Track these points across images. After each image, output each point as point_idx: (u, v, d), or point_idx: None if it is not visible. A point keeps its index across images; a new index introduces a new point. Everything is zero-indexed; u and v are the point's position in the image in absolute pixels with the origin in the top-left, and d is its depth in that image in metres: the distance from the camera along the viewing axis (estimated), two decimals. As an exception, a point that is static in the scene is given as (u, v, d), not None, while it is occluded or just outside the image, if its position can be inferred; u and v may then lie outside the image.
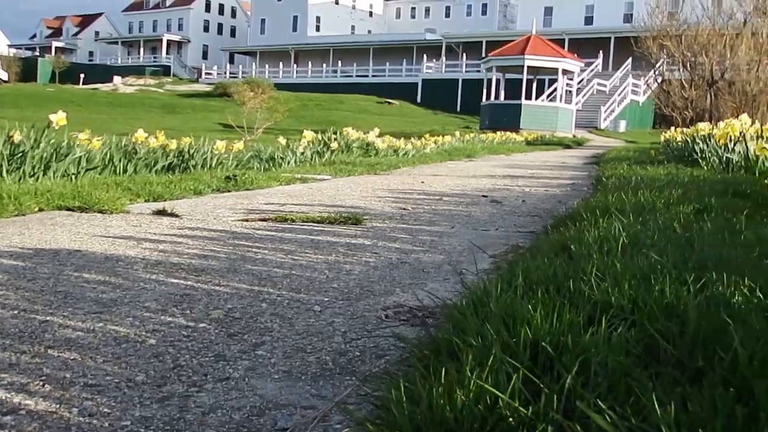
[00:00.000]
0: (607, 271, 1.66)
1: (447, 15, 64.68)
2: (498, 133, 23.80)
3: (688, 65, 30.28)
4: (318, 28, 66.18)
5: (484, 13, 62.86)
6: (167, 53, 73.54)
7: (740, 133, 8.44)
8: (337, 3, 67.95)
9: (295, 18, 66.76)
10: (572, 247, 2.07)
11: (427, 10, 66.38)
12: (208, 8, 77.91)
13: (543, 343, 1.16)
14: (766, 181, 6.33)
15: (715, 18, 30.83)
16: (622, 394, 1.08)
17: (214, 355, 1.69)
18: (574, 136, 29.19)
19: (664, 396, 1.06)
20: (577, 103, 35.68)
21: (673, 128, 18.65)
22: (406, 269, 2.75)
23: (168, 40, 74.70)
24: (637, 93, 39.85)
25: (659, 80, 32.31)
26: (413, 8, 67.87)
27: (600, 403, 0.98)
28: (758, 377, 1.03)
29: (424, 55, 51.60)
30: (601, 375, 1.11)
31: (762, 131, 8.53)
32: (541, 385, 1.06)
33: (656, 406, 0.93)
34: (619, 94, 39.53)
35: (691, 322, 1.26)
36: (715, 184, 5.71)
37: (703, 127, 10.89)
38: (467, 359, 1.11)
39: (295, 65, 59.89)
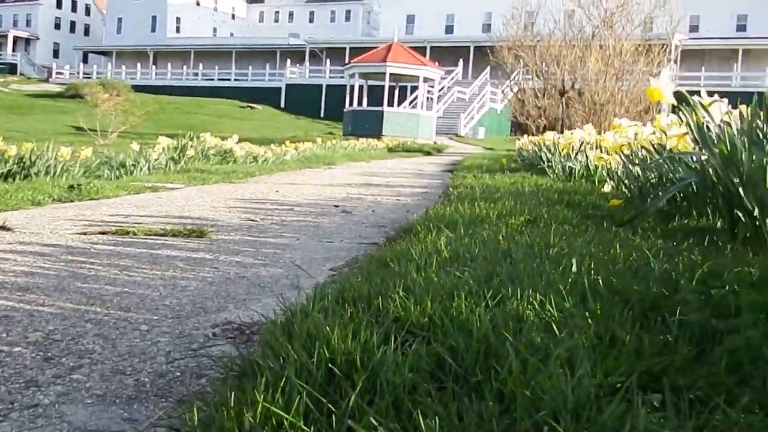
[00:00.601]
0: (414, 287, 1.76)
1: (311, 20, 64.79)
2: (360, 139, 24.10)
3: (542, 75, 31.69)
4: (178, 29, 64.53)
5: (348, 19, 63.46)
6: (13, 50, 69.39)
7: (581, 143, 8.97)
8: (198, 4, 66.53)
9: (154, 18, 64.81)
10: (391, 263, 2.17)
11: (291, 14, 66.23)
12: (59, 4, 74.19)
13: (332, 365, 1.23)
14: (603, 189, 6.78)
15: (566, 30, 32.49)
16: (405, 410, 1.16)
17: (26, 381, 1.66)
18: (434, 142, 29.96)
19: (442, 410, 1.16)
20: (438, 111, 36.64)
21: (526, 136, 19.53)
22: (243, 284, 2.77)
23: (14, 37, 70.52)
24: (496, 101, 41.38)
25: (515, 89, 33.68)
26: (277, 12, 67.51)
27: (375, 420, 1.05)
28: (523, 387, 1.14)
29: (288, 60, 51.39)
30: (387, 392, 1.19)
31: (600, 141, 9.09)
32: (329, 405, 1.12)
33: (422, 421, 1.02)
34: (478, 102, 40.94)
35: (474, 337, 1.37)
36: (553, 194, 6.06)
37: (550, 136, 11.49)
38: (260, 381, 1.16)
39: (154, 67, 58.05)
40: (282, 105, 49.42)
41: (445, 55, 46.25)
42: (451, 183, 8.33)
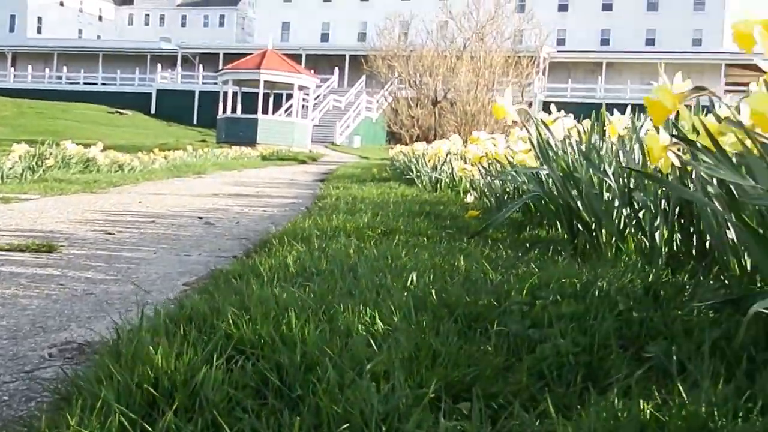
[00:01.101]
0: (250, 304, 1.80)
1: (183, 24, 63.37)
2: (234, 147, 23.80)
3: (415, 85, 32.31)
4: (39, 30, 61.53)
5: (222, 24, 62.53)
6: None
7: (446, 154, 9.24)
8: (62, 4, 63.70)
9: (13, 17, 61.54)
10: (235, 279, 2.20)
11: (162, 17, 64.56)
12: None
13: (156, 385, 1.25)
14: (466, 200, 7.01)
15: (439, 41, 33.32)
16: (223, 427, 1.20)
17: None
18: (310, 151, 29.98)
19: (259, 425, 1.20)
20: (313, 119, 36.71)
21: (399, 145, 19.89)
22: (89, 302, 2.71)
23: None
24: (371, 110, 41.86)
25: (389, 99, 34.21)
26: (147, 15, 65.63)
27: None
28: (333, 401, 1.21)
29: (159, 65, 50.04)
30: (207, 410, 1.23)
31: (464, 153, 9.40)
32: (145, 425, 1.14)
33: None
34: (354, 111, 41.30)
35: (298, 353, 1.42)
36: (417, 205, 6.22)
37: (419, 147, 11.77)
38: (77, 404, 1.17)
39: (12, 69, 55.00)
40: (153, 111, 48.06)
41: (321, 63, 46.42)
42: (320, 193, 8.39)
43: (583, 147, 3.47)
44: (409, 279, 2.29)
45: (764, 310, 1.92)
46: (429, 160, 9.81)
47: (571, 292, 2.16)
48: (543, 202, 3.95)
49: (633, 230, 3.20)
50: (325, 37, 52.67)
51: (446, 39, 33.81)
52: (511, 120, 3.27)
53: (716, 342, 1.68)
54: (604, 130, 3.41)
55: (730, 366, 1.56)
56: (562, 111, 4.02)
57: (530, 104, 34.84)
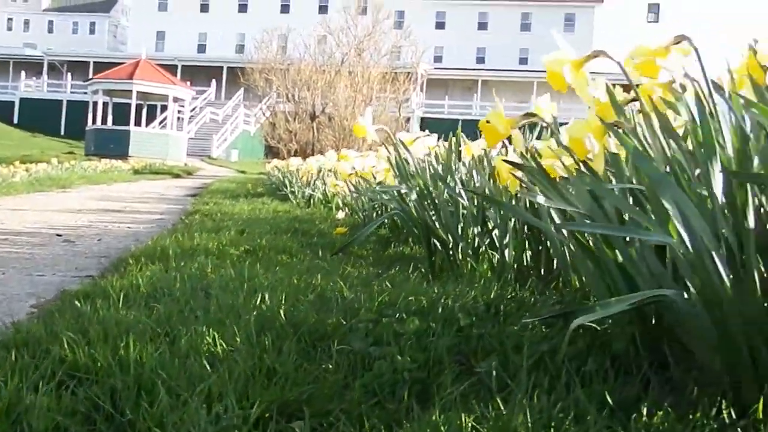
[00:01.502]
0: (90, 328, 1.77)
1: (50, 30, 60.54)
2: (104, 160, 22.98)
3: (293, 99, 32.21)
4: None
5: (92, 32, 60.19)
6: None
7: (319, 170, 9.29)
8: None
9: None
10: (79, 301, 2.16)
11: (27, 22, 61.45)
12: None
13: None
14: (337, 216, 7.07)
15: (317, 56, 33.40)
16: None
17: None
18: (185, 164, 29.33)
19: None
20: (189, 132, 35.97)
21: (276, 160, 19.79)
22: (-75, 326, 2.57)
23: None
24: (250, 123, 41.40)
25: (267, 112, 33.96)
26: (10, 19, 62.25)
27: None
28: (156, 425, 1.22)
29: (23, 72, 47.62)
30: (31, 439, 1.21)
31: (335, 169, 9.48)
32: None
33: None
34: (231, 124, 40.74)
35: (132, 377, 1.43)
36: (287, 221, 6.23)
37: (294, 162, 11.78)
38: None
39: None
40: (15, 121, 45.65)
41: (198, 74, 45.56)
42: (190, 209, 8.25)
43: (440, 167, 3.60)
44: (261, 299, 2.31)
45: (594, 324, 2.07)
46: (302, 176, 9.85)
47: (416, 309, 2.25)
48: (403, 220, 4.05)
49: (486, 248, 3.35)
50: (202, 48, 51.70)
51: (325, 54, 33.95)
52: (370, 139, 3.36)
53: (543, 356, 1.80)
54: (460, 151, 3.55)
55: (553, 379, 1.67)
56: (426, 131, 4.15)
57: (408, 120, 35.55)
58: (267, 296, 2.35)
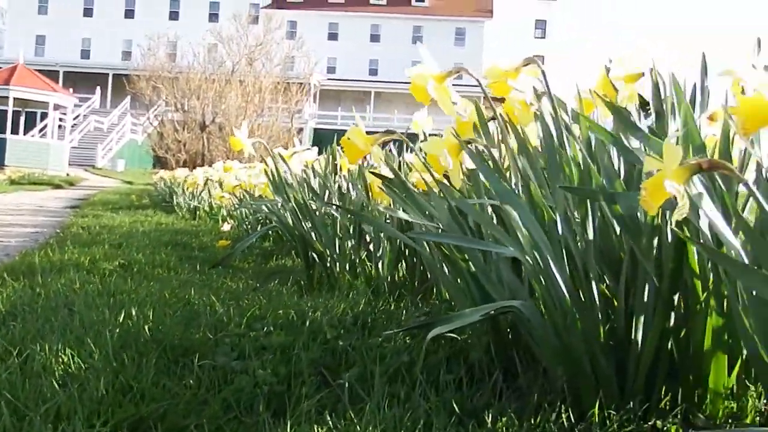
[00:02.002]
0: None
1: None
2: (-23, 170, 21.82)
3: (182, 108, 31.53)
4: None
5: (-34, 34, 57.14)
6: None
7: (205, 182, 9.16)
8: None
9: None
10: None
11: None
12: None
13: None
14: (222, 228, 6.97)
15: (207, 65, 32.86)
16: None
17: None
18: (68, 175, 28.18)
19: None
20: (72, 141, 34.63)
21: (163, 171, 19.32)
22: None
23: None
24: (136, 132, 40.22)
25: (155, 121, 33.11)
26: None
27: None
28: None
29: None
30: None
31: (222, 180, 9.37)
32: None
33: None
34: (117, 133, 39.48)
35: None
36: (168, 234, 6.12)
37: (180, 173, 11.56)
38: None
39: None
40: None
41: (82, 81, 43.96)
42: (68, 222, 7.95)
43: (317, 181, 3.64)
44: (127, 314, 2.28)
45: (455, 335, 2.15)
46: (188, 188, 9.67)
47: (285, 322, 2.27)
48: (282, 233, 4.07)
49: (363, 260, 3.40)
50: (86, 54, 49.85)
51: (215, 62, 33.46)
52: (247, 153, 3.36)
53: (402, 366, 1.86)
54: (336, 165, 3.60)
55: (409, 389, 1.73)
56: (306, 144, 4.19)
57: (301, 130, 35.48)
58: (134, 312, 2.32)
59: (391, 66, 48.72)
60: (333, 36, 49.76)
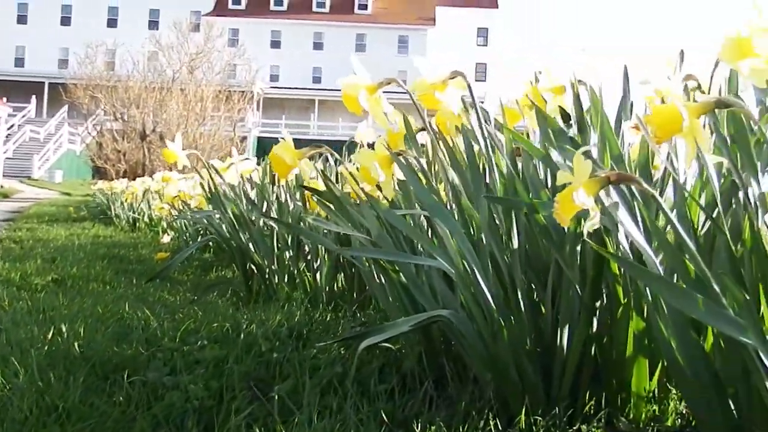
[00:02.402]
0: None
1: None
2: None
3: (121, 118, 30.95)
4: None
5: None
6: None
7: (144, 193, 9.02)
8: None
9: None
10: None
11: None
12: None
13: None
14: (162, 240, 6.88)
15: (147, 73, 32.34)
16: None
17: None
18: (1, 186, 27.41)
19: None
20: (6, 151, 33.70)
21: (101, 182, 18.93)
22: None
23: None
24: (75, 142, 39.32)
25: (94, 131, 32.44)
26: None
27: None
28: None
29: None
30: None
31: (161, 191, 9.24)
32: None
33: None
34: (54, 143, 38.53)
35: None
36: (105, 247, 6.01)
37: (118, 184, 11.35)
38: None
39: None
40: None
41: (16, 90, 42.81)
42: (1, 236, 7.73)
43: (254, 192, 3.63)
44: (57, 331, 2.24)
45: (389, 344, 2.17)
46: (127, 199, 9.51)
47: (219, 335, 2.26)
48: (220, 244, 4.04)
49: (303, 271, 3.40)
50: (19, 62, 48.55)
51: (155, 71, 32.95)
52: (181, 165, 3.32)
53: (335, 378, 1.86)
54: (274, 175, 3.59)
55: (342, 400, 1.74)
56: (250, 152, 4.17)
57: (244, 139, 35.14)
58: (64, 328, 2.28)
59: (335, 74, 48.47)
60: (276, 44, 49.47)
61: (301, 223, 3.19)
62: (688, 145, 1.11)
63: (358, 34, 48.76)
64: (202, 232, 5.71)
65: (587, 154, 1.48)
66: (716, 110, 1.20)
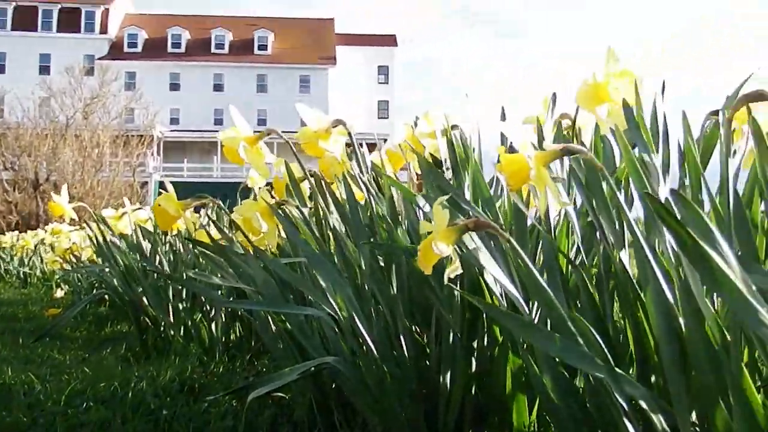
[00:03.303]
0: None
1: None
2: None
3: (12, 167, 29.78)
4: None
5: None
6: None
7: (35, 246, 8.70)
8: None
9: None
10: None
11: None
12: None
13: None
14: (56, 295, 6.64)
15: (38, 120, 31.31)
16: None
17: None
18: None
19: None
20: None
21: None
22: None
23: None
24: (-39, 194, 37.51)
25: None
26: None
27: None
28: None
29: None
30: None
31: (54, 243, 8.93)
32: None
33: None
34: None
35: None
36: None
37: (6, 238, 10.90)
38: None
39: None
40: None
41: None
42: None
43: (146, 242, 3.57)
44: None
45: (282, 393, 2.16)
46: (17, 253, 9.14)
47: (107, 395, 2.20)
48: (112, 298, 3.94)
49: (199, 322, 3.34)
50: None
51: (47, 117, 31.98)
52: (68, 218, 3.24)
53: (225, 431, 1.85)
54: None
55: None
56: (151, 198, 4.09)
57: (144, 184, 34.37)
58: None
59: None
60: (175, 86, 48.75)
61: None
62: (539, 191, 1.18)
63: (258, 75, 48.62)
64: (96, 285, 5.55)
65: (457, 199, 1.54)
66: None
